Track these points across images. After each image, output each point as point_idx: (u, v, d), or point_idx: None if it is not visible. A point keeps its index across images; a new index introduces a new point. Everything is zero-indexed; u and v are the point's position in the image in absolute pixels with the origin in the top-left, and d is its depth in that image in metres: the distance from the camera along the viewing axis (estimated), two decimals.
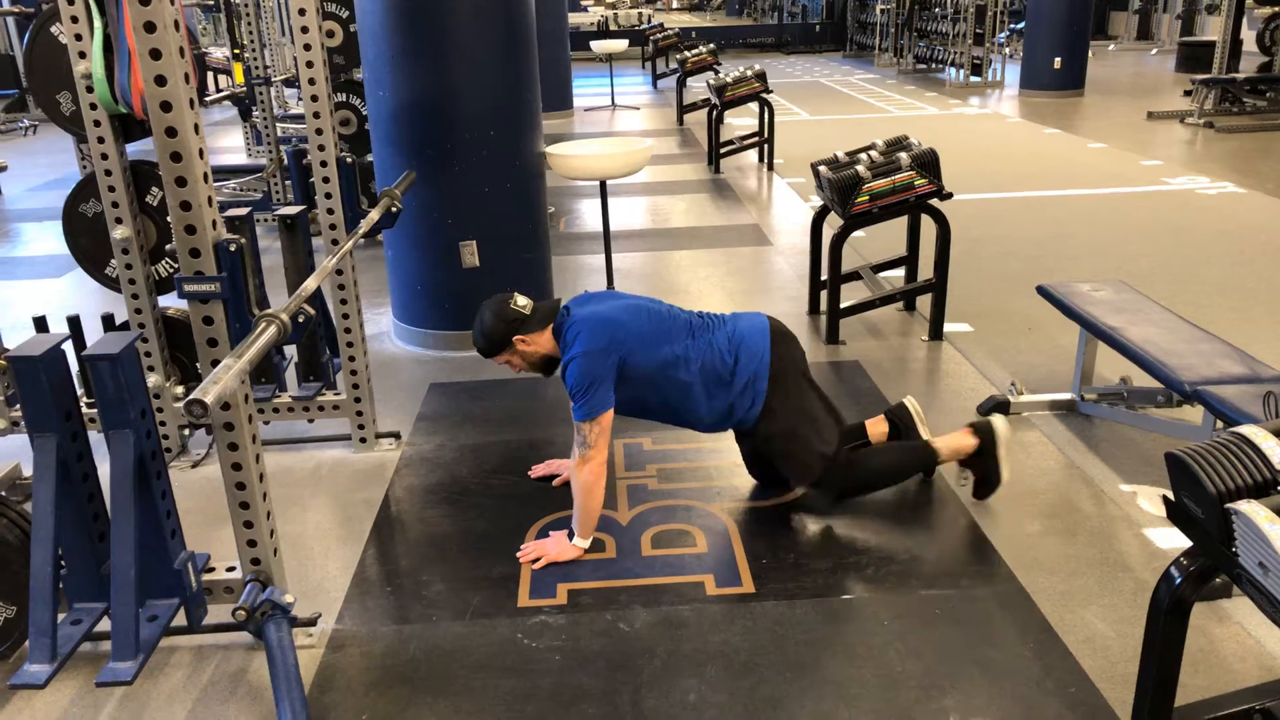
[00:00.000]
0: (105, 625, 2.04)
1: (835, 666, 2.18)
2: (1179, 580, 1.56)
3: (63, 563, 2.06)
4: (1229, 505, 1.41)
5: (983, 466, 2.77)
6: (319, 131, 3.05)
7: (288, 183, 6.52)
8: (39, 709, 2.14)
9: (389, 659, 2.26)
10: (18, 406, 3.14)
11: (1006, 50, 15.29)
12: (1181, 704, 1.67)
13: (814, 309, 4.55)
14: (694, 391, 2.65)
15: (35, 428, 1.94)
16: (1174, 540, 2.61)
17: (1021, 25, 13.78)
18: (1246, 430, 1.51)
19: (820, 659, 2.20)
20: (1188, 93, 10.45)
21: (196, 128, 1.93)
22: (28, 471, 3.05)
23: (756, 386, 2.65)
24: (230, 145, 9.94)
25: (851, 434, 2.92)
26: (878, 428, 2.97)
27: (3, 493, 2.88)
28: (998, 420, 2.77)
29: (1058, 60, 11.96)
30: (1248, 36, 12.04)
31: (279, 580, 2.27)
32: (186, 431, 3.34)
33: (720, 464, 3.13)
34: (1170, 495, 1.56)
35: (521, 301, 2.69)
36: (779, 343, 2.72)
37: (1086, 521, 2.74)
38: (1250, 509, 1.37)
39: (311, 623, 2.34)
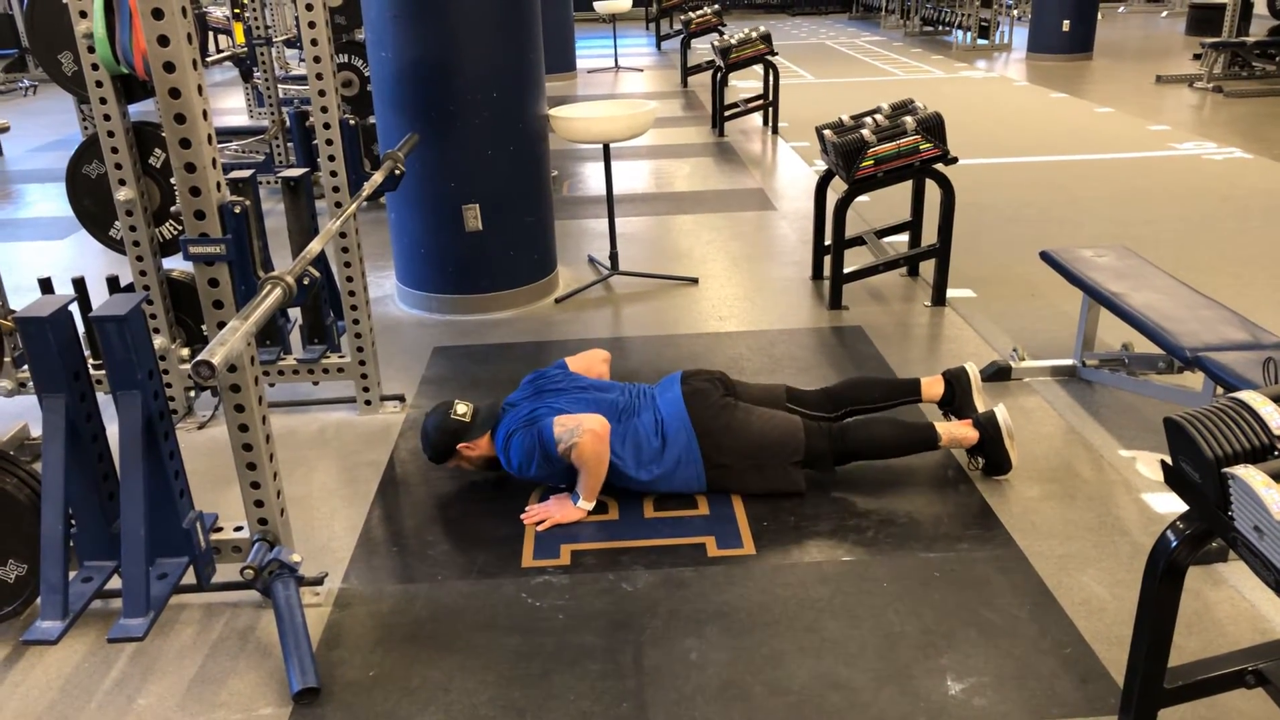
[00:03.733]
0: (115, 583, 2.08)
1: (834, 626, 2.21)
2: (1175, 544, 1.58)
3: (72, 521, 2.09)
4: (1226, 470, 1.42)
5: (990, 455, 2.79)
6: (321, 93, 3.04)
7: (290, 145, 6.49)
8: (51, 664, 2.17)
9: (395, 617, 2.29)
10: (24, 368, 3.16)
11: (1015, 12, 15.11)
12: (1175, 664, 1.69)
13: (817, 274, 4.55)
14: (628, 470, 2.69)
15: (44, 388, 1.96)
16: (1171, 505, 2.63)
17: None
18: (1245, 396, 1.52)
19: (820, 619, 2.24)
20: (1197, 56, 10.34)
21: (200, 89, 1.92)
22: (35, 432, 3.08)
23: (691, 457, 2.69)
24: (231, 107, 9.88)
25: (905, 389, 2.99)
26: (934, 389, 2.98)
27: (11, 452, 2.91)
28: (999, 412, 2.78)
29: (1066, 23, 11.81)
30: None
31: (286, 540, 2.30)
32: (192, 393, 3.36)
33: None
34: (1168, 460, 1.57)
35: (461, 409, 2.81)
36: (695, 400, 2.74)
37: (1085, 486, 2.76)
38: (1247, 473, 1.38)
39: (318, 581, 2.38)
